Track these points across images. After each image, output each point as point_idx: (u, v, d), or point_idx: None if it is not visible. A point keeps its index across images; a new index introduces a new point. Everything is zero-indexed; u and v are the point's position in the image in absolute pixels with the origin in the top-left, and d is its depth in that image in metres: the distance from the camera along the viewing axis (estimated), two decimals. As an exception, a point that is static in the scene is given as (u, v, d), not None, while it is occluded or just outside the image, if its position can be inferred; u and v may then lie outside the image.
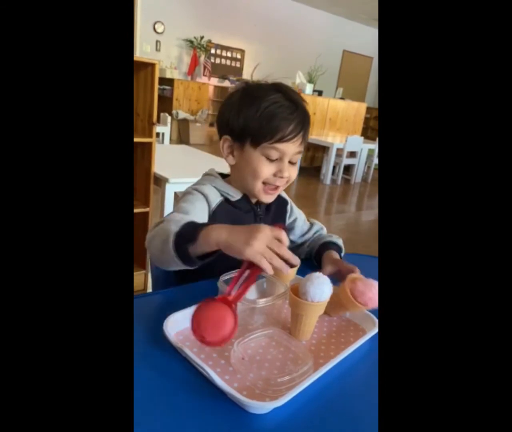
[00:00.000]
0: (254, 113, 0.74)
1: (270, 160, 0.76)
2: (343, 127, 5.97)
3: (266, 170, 0.76)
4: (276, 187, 0.80)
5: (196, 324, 0.54)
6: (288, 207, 0.95)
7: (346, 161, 5.15)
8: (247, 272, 0.58)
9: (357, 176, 5.43)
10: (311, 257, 0.94)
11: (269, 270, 0.55)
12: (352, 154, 5.28)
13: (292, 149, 0.76)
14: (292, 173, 0.79)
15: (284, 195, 0.95)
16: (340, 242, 0.94)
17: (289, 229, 0.96)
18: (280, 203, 0.92)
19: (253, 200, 0.85)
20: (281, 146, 0.74)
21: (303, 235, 0.97)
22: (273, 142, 0.74)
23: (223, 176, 0.87)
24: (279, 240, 0.56)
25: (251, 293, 0.69)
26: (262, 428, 0.48)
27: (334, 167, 5.21)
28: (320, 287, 0.61)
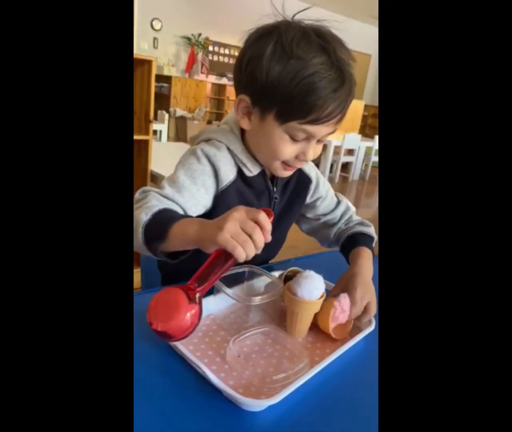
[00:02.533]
0: (289, 80, 0.56)
1: (295, 140, 0.62)
2: (341, 125, 5.94)
3: (288, 151, 0.63)
4: (295, 167, 0.68)
5: (148, 312, 0.47)
6: (312, 186, 0.80)
7: (343, 158, 5.15)
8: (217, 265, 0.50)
9: (354, 173, 5.44)
10: (339, 248, 0.81)
11: (241, 258, 0.46)
12: (350, 152, 5.28)
13: (324, 130, 0.61)
14: (316, 151, 0.65)
15: (309, 170, 0.79)
16: (370, 230, 0.79)
17: (309, 207, 0.83)
18: (301, 181, 0.78)
19: (269, 175, 0.72)
20: (312, 128, 0.59)
21: (326, 214, 0.83)
22: (304, 123, 0.59)
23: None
24: (257, 222, 0.47)
25: (247, 291, 0.69)
26: (258, 425, 0.48)
27: (331, 165, 5.21)
28: (307, 288, 0.60)
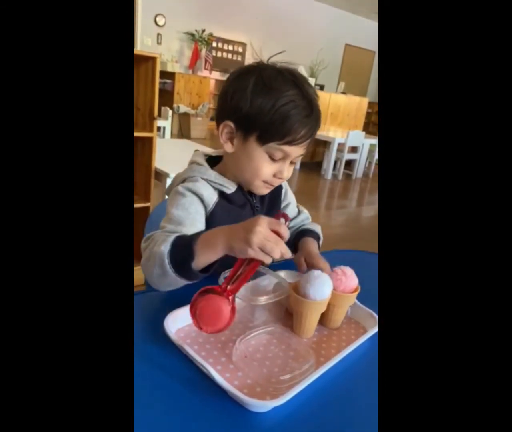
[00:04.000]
0: (269, 108, 0.67)
1: (273, 160, 0.72)
2: (345, 122, 5.94)
3: (268, 170, 0.73)
4: (273, 186, 0.78)
5: (194, 315, 0.55)
6: (283, 192, 0.92)
7: (347, 156, 5.13)
8: (245, 266, 0.58)
9: (358, 171, 5.42)
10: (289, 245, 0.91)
11: (267, 261, 0.55)
12: (354, 149, 5.26)
13: (297, 151, 0.72)
14: (289, 172, 0.76)
15: None
16: (318, 229, 0.91)
17: None
18: (275, 189, 0.86)
19: (246, 190, 0.81)
20: (288, 148, 0.70)
21: (291, 220, 0.93)
22: (282, 144, 0.69)
23: (210, 160, 0.81)
24: (278, 233, 0.56)
25: (252, 291, 0.68)
26: (263, 426, 0.47)
27: (335, 162, 5.19)
28: (320, 287, 0.61)
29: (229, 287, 0.56)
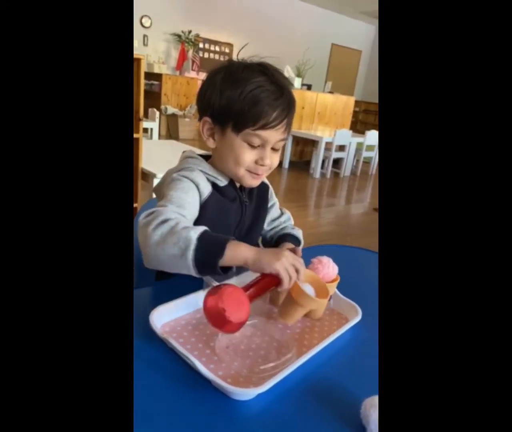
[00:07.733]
0: (237, 96, 0.70)
1: (252, 147, 0.74)
2: (332, 121, 5.98)
3: (248, 157, 0.74)
4: (259, 174, 0.78)
5: (219, 298, 0.54)
6: (269, 192, 0.95)
7: (335, 154, 5.17)
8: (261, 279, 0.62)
9: (346, 169, 5.47)
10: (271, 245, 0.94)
11: (285, 286, 0.61)
12: (341, 148, 5.30)
13: (275, 136, 0.73)
14: (274, 160, 0.77)
15: (265, 179, 0.93)
16: (299, 234, 0.93)
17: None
18: (262, 188, 0.91)
19: (238, 185, 0.83)
20: (264, 133, 0.72)
21: (273, 220, 0.96)
22: (256, 129, 0.71)
23: (204, 158, 0.83)
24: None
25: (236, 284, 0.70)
26: (247, 414, 0.49)
27: (323, 161, 5.23)
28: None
29: (249, 293, 0.59)
